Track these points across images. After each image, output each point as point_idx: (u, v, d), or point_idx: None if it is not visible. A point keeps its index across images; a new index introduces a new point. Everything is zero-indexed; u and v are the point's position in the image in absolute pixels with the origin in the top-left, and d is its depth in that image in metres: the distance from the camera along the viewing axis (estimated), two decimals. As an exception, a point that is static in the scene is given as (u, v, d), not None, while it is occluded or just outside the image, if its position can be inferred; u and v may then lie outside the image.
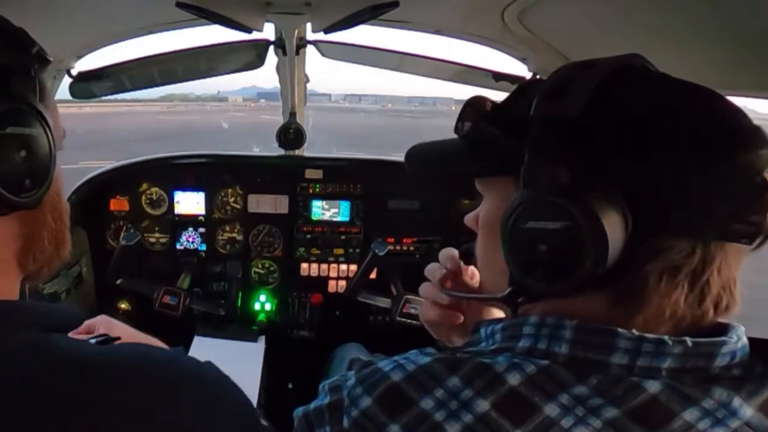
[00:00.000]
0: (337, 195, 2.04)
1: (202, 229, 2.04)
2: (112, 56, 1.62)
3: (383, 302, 1.89)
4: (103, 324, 1.01)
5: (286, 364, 2.03)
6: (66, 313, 0.59)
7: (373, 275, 1.93)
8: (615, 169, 0.48)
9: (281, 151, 2.06)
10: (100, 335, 0.63)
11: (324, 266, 2.07)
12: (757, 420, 0.47)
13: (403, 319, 1.82)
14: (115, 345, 0.57)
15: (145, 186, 2.00)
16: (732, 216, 0.46)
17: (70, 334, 0.58)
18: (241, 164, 2.08)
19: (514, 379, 0.49)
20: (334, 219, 2.05)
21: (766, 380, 0.49)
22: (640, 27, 1.03)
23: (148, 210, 2.01)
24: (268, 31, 1.54)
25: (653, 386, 0.47)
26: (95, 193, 1.94)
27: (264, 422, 0.69)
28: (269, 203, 2.03)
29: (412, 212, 2.05)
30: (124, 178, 1.99)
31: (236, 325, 2.00)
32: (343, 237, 2.06)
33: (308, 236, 2.05)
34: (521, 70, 1.58)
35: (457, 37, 1.53)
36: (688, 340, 0.48)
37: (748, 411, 0.47)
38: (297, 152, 2.08)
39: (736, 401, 0.47)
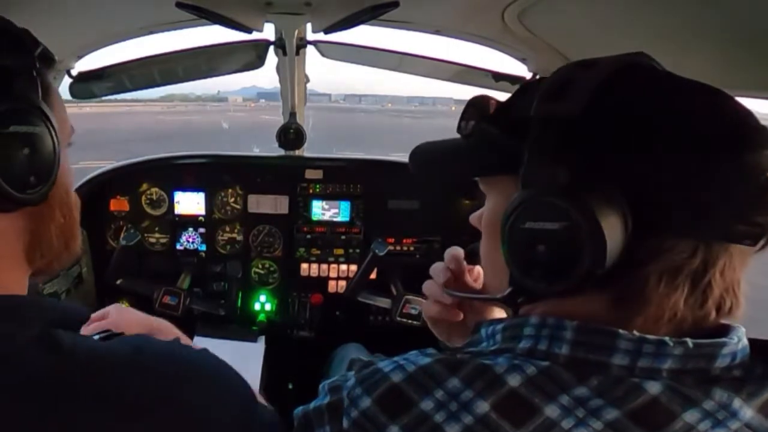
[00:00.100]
0: (337, 195, 2.03)
1: (202, 230, 2.04)
2: (112, 56, 1.61)
3: (383, 302, 1.89)
4: (116, 311, 1.07)
5: (286, 364, 2.03)
6: (72, 310, 0.60)
7: (373, 275, 1.93)
8: (615, 169, 0.47)
9: (281, 151, 2.06)
10: (103, 331, 0.64)
11: (324, 266, 2.07)
12: (757, 421, 0.47)
13: (403, 320, 1.82)
14: (116, 340, 0.58)
15: (145, 186, 2.00)
16: (736, 216, 0.46)
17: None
18: (241, 164, 2.08)
19: (514, 381, 0.49)
20: (334, 219, 2.05)
21: (767, 381, 0.48)
22: (640, 27, 1.03)
23: (148, 210, 2.01)
24: (268, 32, 1.55)
25: (654, 387, 0.46)
26: (95, 193, 1.94)
27: (263, 401, 0.70)
28: (269, 203, 2.03)
29: (412, 212, 2.05)
30: (124, 178, 1.99)
31: (236, 325, 2.00)
32: (343, 237, 2.05)
33: (308, 236, 2.05)
34: (521, 70, 1.58)
35: (457, 37, 1.52)
36: (689, 341, 0.48)
37: (748, 412, 0.47)
38: (297, 152, 2.08)
39: (737, 402, 0.47)
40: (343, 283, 2.06)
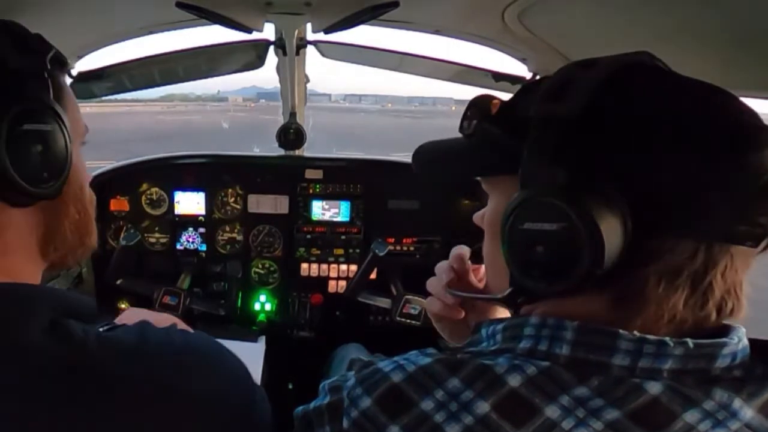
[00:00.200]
0: (337, 195, 2.03)
1: (202, 229, 2.04)
2: (112, 56, 1.61)
3: (383, 302, 1.89)
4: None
5: (286, 364, 2.03)
6: (82, 301, 0.61)
7: (373, 275, 1.93)
8: (615, 169, 0.47)
9: (281, 151, 2.06)
10: (106, 323, 0.64)
11: (324, 266, 2.07)
12: (757, 422, 0.47)
13: (403, 320, 1.82)
14: (121, 329, 0.59)
15: (145, 186, 2.00)
16: (737, 217, 0.46)
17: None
18: (241, 164, 2.08)
19: (514, 381, 0.49)
20: (334, 219, 2.05)
21: (767, 382, 0.48)
22: (640, 27, 1.03)
23: (148, 210, 2.01)
24: (268, 32, 1.55)
25: (654, 387, 0.46)
26: (95, 193, 1.94)
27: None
28: (269, 203, 2.03)
29: (412, 212, 2.05)
30: (124, 178, 1.99)
31: (236, 325, 2.00)
32: (343, 237, 2.05)
33: (308, 236, 2.05)
34: (521, 70, 1.58)
35: (457, 37, 1.52)
36: (690, 342, 0.48)
37: (748, 412, 0.47)
38: (297, 152, 2.08)
39: (737, 403, 0.47)
40: (343, 283, 2.06)
